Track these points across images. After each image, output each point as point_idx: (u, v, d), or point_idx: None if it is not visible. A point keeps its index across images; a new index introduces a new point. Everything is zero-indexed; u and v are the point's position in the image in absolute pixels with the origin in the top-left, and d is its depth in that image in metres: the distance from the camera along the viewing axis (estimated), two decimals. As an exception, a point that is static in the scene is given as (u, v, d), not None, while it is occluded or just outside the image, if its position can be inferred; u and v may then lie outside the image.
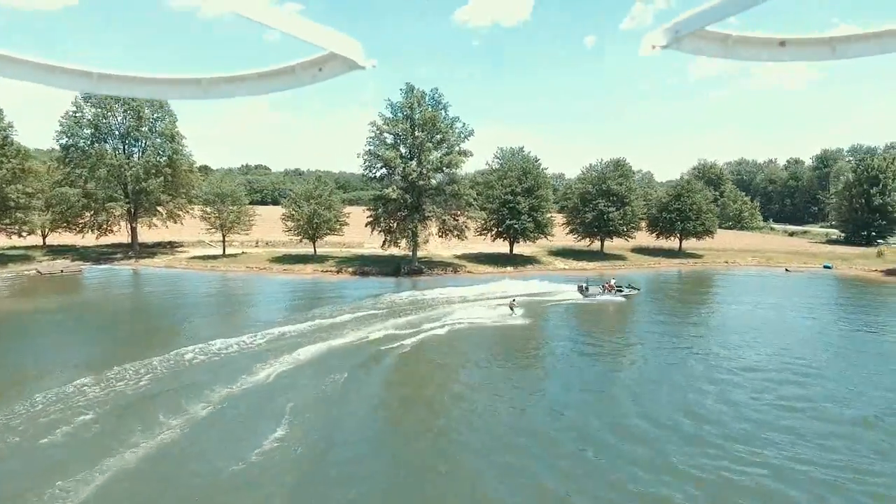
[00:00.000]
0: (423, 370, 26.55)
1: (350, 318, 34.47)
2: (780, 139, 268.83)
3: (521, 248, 65.66)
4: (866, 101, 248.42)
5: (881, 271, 63.73)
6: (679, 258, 68.82)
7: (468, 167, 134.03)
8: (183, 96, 2.01)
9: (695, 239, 70.66)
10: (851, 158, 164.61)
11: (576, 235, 66.89)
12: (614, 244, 69.32)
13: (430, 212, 54.86)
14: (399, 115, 54.69)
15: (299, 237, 58.49)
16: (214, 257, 59.09)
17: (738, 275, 60.69)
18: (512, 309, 37.44)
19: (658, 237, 71.68)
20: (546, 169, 61.65)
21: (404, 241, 55.65)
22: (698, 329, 36.22)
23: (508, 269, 58.54)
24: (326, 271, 54.30)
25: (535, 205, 59.17)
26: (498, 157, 63.45)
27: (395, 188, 53.71)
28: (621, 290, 44.22)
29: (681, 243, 71.71)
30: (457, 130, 55.71)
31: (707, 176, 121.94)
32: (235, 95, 1.96)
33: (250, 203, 67.93)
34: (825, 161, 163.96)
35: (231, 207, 59.14)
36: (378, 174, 56.02)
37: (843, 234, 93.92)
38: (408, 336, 30.78)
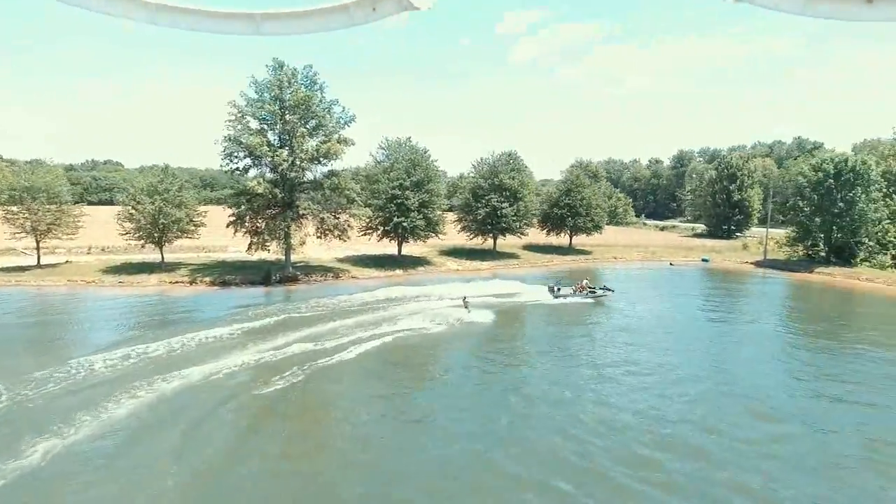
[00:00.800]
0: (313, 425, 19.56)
1: (196, 346, 26.29)
2: (639, 139, 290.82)
3: (410, 249, 59.92)
4: (699, 107, 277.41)
5: (751, 263, 66.98)
6: (570, 255, 67.39)
7: (352, 160, 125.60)
8: (235, 31, 1.87)
9: (584, 235, 69.73)
10: (701, 159, 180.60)
11: (468, 234, 62.55)
12: (507, 242, 66.12)
13: (305, 209, 47.00)
14: (266, 95, 46.29)
15: (141, 242, 47.61)
16: (25, 269, 46.25)
17: (633, 270, 60.13)
18: (466, 307, 35.28)
19: (549, 234, 69.83)
20: (436, 161, 56.44)
21: (275, 243, 47.28)
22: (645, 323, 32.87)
23: (397, 272, 52.48)
24: (176, 283, 44.32)
25: (425, 200, 53.67)
26: (383, 149, 57.07)
27: (262, 181, 45.30)
28: (594, 292, 42.04)
29: (571, 240, 70.47)
30: (335, 115, 48.49)
31: (585, 173, 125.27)
32: (288, 33, 1.84)
33: (81, 202, 55.42)
34: (681, 161, 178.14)
35: (47, 206, 46.67)
36: (241, 164, 47.10)
37: (707, 228, 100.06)
38: (275, 369, 23.49)
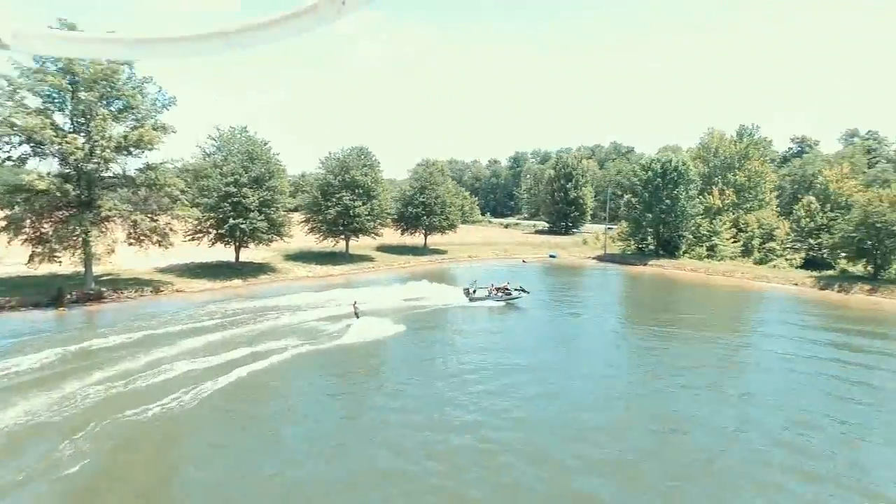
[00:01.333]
0: None
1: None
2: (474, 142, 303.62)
3: (251, 254, 52.47)
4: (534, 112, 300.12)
5: (593, 257, 70.82)
6: (426, 255, 64.99)
7: (176, 152, 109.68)
8: (212, 51, 1.89)
9: (439, 234, 67.90)
10: (534, 160, 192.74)
11: (318, 235, 56.77)
12: (359, 244, 61.51)
13: (111, 210, 37.75)
14: (50, 65, 36.23)
15: None
16: None
17: (494, 268, 59.41)
18: (356, 314, 32.62)
19: (403, 234, 66.77)
20: (278, 154, 49.65)
21: (68, 253, 37.34)
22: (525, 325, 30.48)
23: (235, 282, 45.13)
24: (-87, 312, 32.56)
25: (267, 199, 46.94)
26: (214, 140, 48.80)
27: (47, 175, 35.39)
28: (509, 294, 40.13)
29: (426, 239, 68.17)
30: (149, 97, 39.84)
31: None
32: (262, 43, 1.86)
33: None
34: (517, 161, 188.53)
35: None
36: (15, 153, 36.41)
37: (548, 224, 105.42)
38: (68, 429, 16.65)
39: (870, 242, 48.31)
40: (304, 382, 23.14)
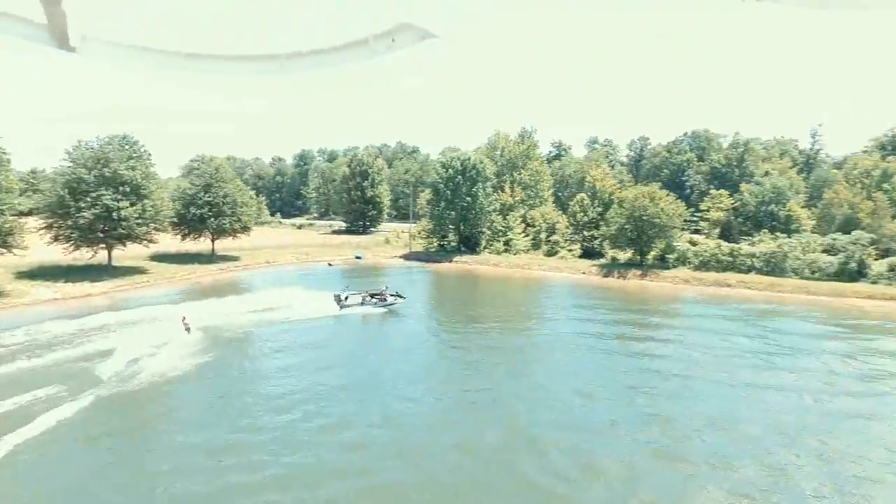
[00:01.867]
0: None
1: None
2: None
3: (-40, 275, 38.19)
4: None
5: (399, 256, 69.48)
6: (216, 263, 55.86)
7: None
8: (262, 72, 1.98)
9: (230, 238, 59.14)
10: (321, 157, 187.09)
11: (66, 245, 44.14)
12: (127, 253, 49.77)
13: None
14: None
15: None
16: None
17: (299, 273, 53.31)
18: (186, 329, 29.23)
19: (184, 239, 56.48)
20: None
21: None
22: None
23: (-64, 315, 32.01)
24: None
25: (-16, 199, 34.32)
26: None
27: None
28: (384, 300, 37.91)
29: (213, 245, 58.74)
30: None
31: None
32: (311, 69, 1.92)
33: None
34: (304, 159, 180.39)
35: None
36: None
37: (346, 224, 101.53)
38: None
39: (637, 233, 55.77)
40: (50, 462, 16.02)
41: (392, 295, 38.41)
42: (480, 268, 61.66)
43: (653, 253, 57.38)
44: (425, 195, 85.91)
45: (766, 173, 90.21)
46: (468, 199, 65.56)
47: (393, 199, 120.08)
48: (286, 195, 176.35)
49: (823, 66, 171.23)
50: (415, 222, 78.15)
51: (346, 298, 37.17)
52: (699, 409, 21.18)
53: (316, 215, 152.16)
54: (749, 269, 51.93)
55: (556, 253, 67.21)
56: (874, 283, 46.21)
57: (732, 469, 16.53)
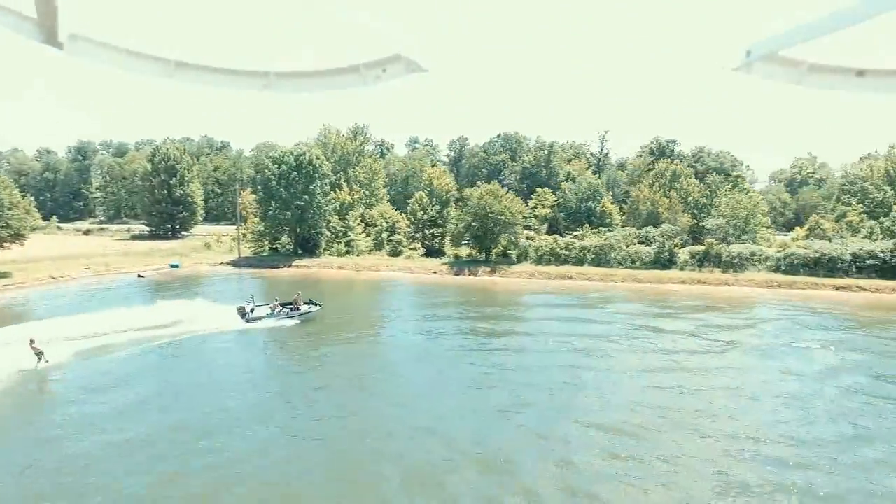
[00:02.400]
0: None
1: None
2: None
3: None
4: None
5: (226, 263, 61.14)
6: (-25, 283, 42.46)
7: None
8: (249, 88, 1.99)
9: (-4, 249, 45.61)
10: (105, 152, 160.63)
11: None
12: None
13: None
14: None
15: None
16: None
17: (100, 289, 42.73)
18: (39, 357, 23.04)
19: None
20: None
21: None
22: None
23: None
24: None
25: None
26: None
27: None
28: (297, 309, 33.54)
29: (-31, 259, 44.74)
30: None
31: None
32: (299, 91, 1.93)
33: None
34: (83, 153, 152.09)
35: None
36: None
37: (150, 228, 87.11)
38: None
39: (482, 230, 56.62)
40: None
41: (306, 303, 34.00)
42: (324, 272, 56.98)
43: (496, 249, 58.89)
44: (246, 194, 77.49)
45: (569, 174, 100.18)
46: (305, 197, 60.20)
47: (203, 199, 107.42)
48: (61, 195, 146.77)
49: (610, 81, 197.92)
50: (239, 224, 69.66)
51: (253, 310, 32.35)
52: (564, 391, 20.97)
53: (103, 218, 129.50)
54: (582, 261, 56.15)
55: (400, 253, 65.37)
56: (682, 269, 53.12)
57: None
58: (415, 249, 66.06)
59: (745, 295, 45.75)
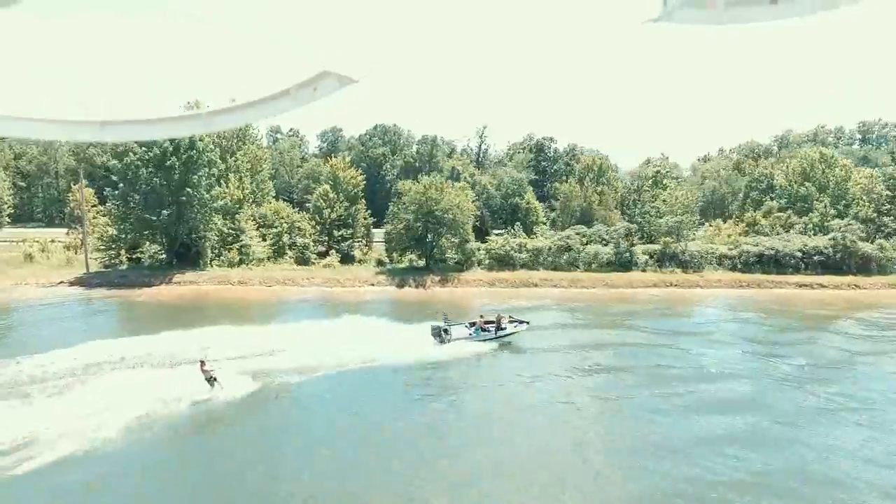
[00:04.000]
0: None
1: None
2: None
3: None
4: None
5: (65, 282, 43.15)
6: None
7: None
8: (187, 132, 1.94)
9: None
10: None
11: None
12: None
13: None
14: None
15: None
16: None
17: None
18: (211, 381, 19.92)
19: None
20: None
21: None
22: None
23: None
24: None
25: None
26: None
27: None
28: (503, 328, 27.74)
29: None
30: None
31: None
32: (236, 125, 2.01)
33: None
34: None
35: None
36: None
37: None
38: None
39: (425, 231, 46.88)
40: None
41: (512, 321, 28.86)
42: (219, 290, 42.53)
43: (445, 254, 49.46)
44: (79, 187, 57.59)
45: (453, 169, 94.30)
46: (188, 190, 44.82)
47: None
48: None
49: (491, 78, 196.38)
50: (86, 229, 50.43)
51: (446, 332, 27.11)
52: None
53: None
54: (535, 264, 49.38)
55: (307, 261, 52.72)
56: (643, 270, 49.00)
57: None
58: (322, 256, 53.73)
59: (732, 295, 42.68)
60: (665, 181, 66.79)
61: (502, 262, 49.22)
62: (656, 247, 50.60)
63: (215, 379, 20.03)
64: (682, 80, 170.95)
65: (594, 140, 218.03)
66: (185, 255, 48.39)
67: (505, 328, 28.37)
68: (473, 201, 66.73)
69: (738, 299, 41.93)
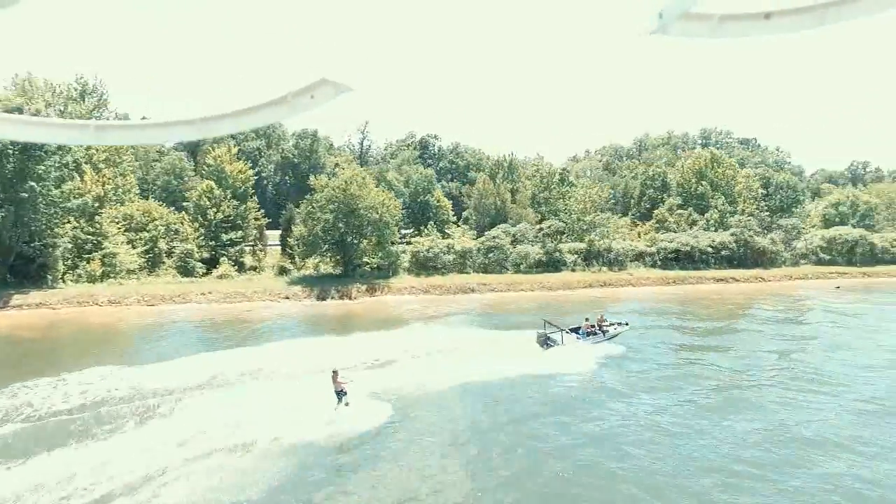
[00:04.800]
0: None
1: None
2: None
3: None
4: None
5: None
6: None
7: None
8: (180, 138, 1.89)
9: None
10: None
11: None
12: None
13: None
14: None
15: None
16: None
17: None
18: (340, 397, 17.01)
19: None
20: None
21: None
22: None
23: None
24: None
25: None
26: None
27: None
28: (605, 332, 26.61)
29: None
30: None
31: None
32: (230, 131, 1.85)
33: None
34: None
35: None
36: None
37: None
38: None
39: (344, 234, 40.53)
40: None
41: (614, 324, 27.58)
42: (90, 313, 32.52)
43: (372, 258, 43.34)
44: None
45: (336, 165, 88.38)
46: (31, 185, 33.78)
47: None
48: None
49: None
50: None
51: (549, 336, 24.98)
52: None
53: None
54: (463, 267, 45.49)
55: (192, 271, 43.65)
56: (573, 270, 47.42)
57: None
58: (210, 264, 44.83)
59: (666, 293, 42.26)
60: (571, 179, 66.88)
61: (427, 266, 44.58)
62: (582, 245, 49.36)
63: (345, 393, 17.20)
64: (553, 82, 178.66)
65: (476, 138, 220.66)
66: (25, 270, 36.80)
67: (607, 331, 27.15)
68: (382, 199, 61.28)
69: (673, 296, 41.68)
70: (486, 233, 48.63)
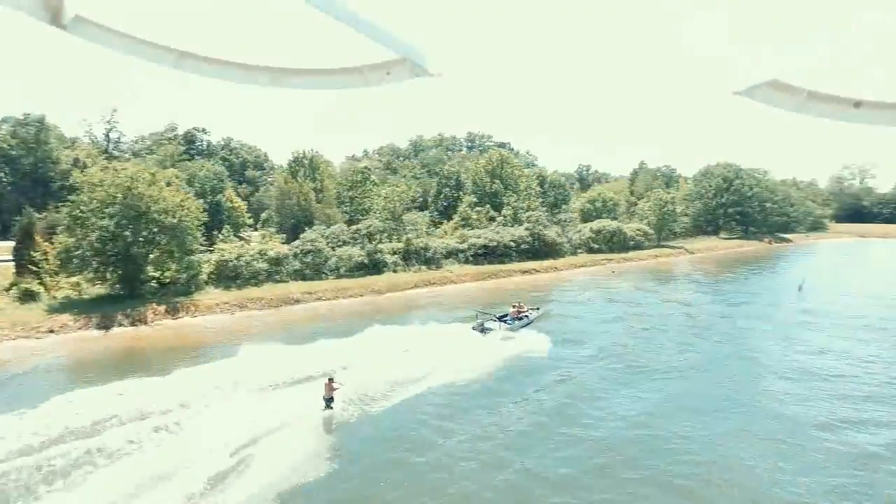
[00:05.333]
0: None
1: None
2: None
3: None
4: None
5: None
6: None
7: None
8: (257, 83, 2.12)
9: None
10: None
11: None
12: None
13: None
14: None
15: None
16: None
17: None
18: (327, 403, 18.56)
19: None
20: None
21: None
22: None
23: None
24: None
25: None
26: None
27: None
28: (528, 317, 30.75)
29: None
30: None
31: None
32: (303, 88, 2.04)
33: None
34: None
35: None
36: None
37: None
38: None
39: (127, 244, 31.96)
40: None
41: (531, 310, 31.69)
42: None
43: (169, 272, 34.86)
44: None
45: (76, 161, 73.59)
46: None
47: None
48: None
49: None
50: None
51: (483, 324, 28.22)
52: None
53: None
54: (276, 275, 40.36)
55: None
56: (394, 271, 46.01)
57: None
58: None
59: (486, 287, 43.64)
60: (373, 177, 65.44)
61: (234, 276, 38.30)
62: (401, 245, 48.29)
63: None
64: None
65: (248, 134, 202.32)
66: None
67: (527, 316, 30.75)
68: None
69: (494, 290, 43.34)
70: (301, 236, 43.93)
